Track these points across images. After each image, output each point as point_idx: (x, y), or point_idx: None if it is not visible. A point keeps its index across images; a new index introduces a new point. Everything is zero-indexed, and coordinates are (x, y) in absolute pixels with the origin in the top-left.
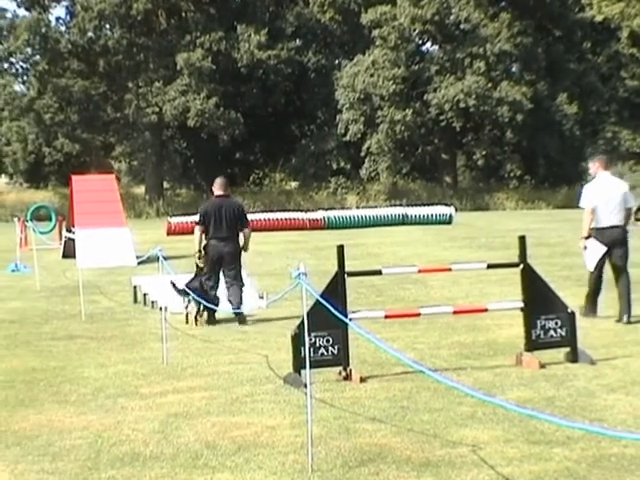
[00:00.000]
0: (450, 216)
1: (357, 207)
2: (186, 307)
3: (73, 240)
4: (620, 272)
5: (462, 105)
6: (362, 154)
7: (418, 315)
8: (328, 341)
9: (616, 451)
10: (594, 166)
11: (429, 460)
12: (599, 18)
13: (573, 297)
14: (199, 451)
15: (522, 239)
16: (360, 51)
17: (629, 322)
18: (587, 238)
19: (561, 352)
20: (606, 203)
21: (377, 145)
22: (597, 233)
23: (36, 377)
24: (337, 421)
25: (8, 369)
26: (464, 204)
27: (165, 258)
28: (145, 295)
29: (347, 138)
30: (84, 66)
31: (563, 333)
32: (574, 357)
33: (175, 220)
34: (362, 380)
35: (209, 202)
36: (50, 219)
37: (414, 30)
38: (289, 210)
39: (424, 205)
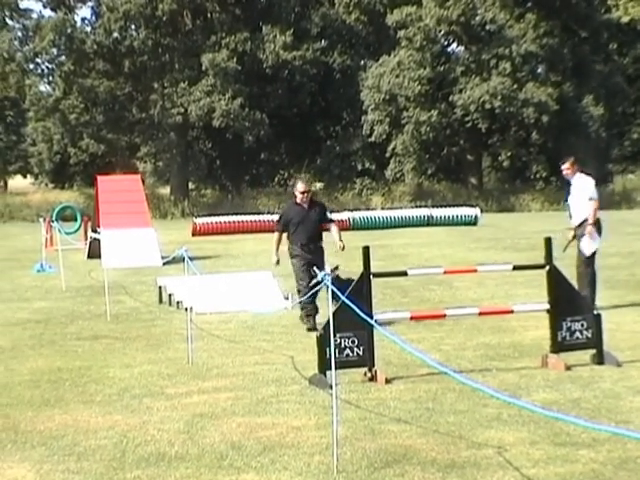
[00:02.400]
0: (475, 217)
1: (382, 208)
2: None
3: (98, 240)
4: None
5: (488, 106)
6: (387, 155)
7: (444, 316)
8: (353, 342)
9: None
10: (572, 168)
11: (454, 461)
12: (625, 19)
13: (599, 299)
14: (224, 452)
15: (548, 240)
16: (385, 52)
17: None
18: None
19: (587, 354)
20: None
21: (402, 146)
22: (597, 224)
23: (61, 377)
24: (362, 422)
25: (34, 369)
26: (489, 205)
27: (190, 258)
28: (170, 295)
29: (372, 139)
30: (109, 66)
31: (589, 335)
32: (600, 359)
33: (200, 221)
34: (387, 381)
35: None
36: (75, 219)
37: (440, 31)
38: None
39: (449, 206)
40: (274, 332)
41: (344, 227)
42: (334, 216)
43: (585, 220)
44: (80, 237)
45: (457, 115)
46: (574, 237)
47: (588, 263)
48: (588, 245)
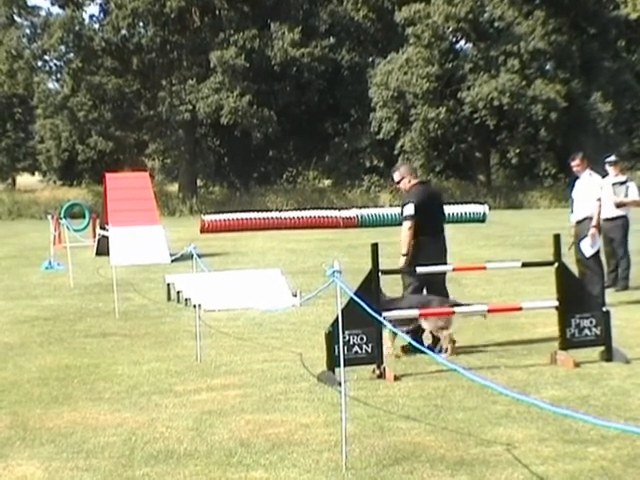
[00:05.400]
0: (484, 214)
1: (390, 205)
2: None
3: (107, 237)
4: None
5: (496, 103)
6: (395, 152)
7: (452, 314)
8: (362, 339)
9: None
10: (582, 164)
11: (463, 459)
12: (634, 16)
13: (608, 296)
14: (233, 449)
15: (557, 237)
16: (394, 49)
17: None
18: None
19: (596, 351)
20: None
21: (410, 143)
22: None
23: (70, 374)
24: (371, 419)
25: (42, 366)
26: (498, 202)
27: (199, 256)
28: (179, 293)
29: (380, 136)
30: (118, 64)
31: (598, 332)
32: (609, 356)
33: (209, 218)
34: (396, 378)
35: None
36: (84, 216)
37: (448, 28)
38: (322, 208)
39: (458, 203)
40: (282, 329)
41: (352, 224)
42: (342, 213)
43: (586, 218)
44: (88, 234)
45: (465, 112)
46: (576, 235)
47: (592, 263)
48: (589, 246)
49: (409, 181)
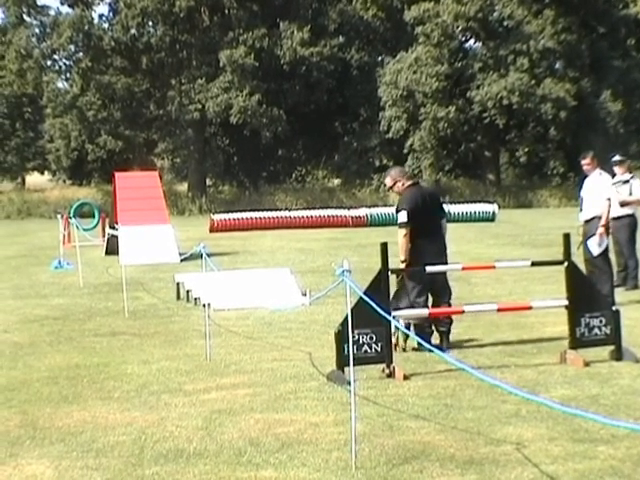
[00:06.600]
0: (493, 213)
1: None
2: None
3: (116, 237)
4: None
5: (505, 102)
6: (405, 151)
7: (462, 312)
8: (371, 338)
9: None
10: (593, 163)
11: (473, 458)
12: None
13: (617, 295)
14: (243, 448)
15: (566, 236)
16: (403, 48)
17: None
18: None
19: (605, 350)
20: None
21: (420, 142)
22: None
23: (79, 373)
24: (381, 418)
25: (52, 365)
26: (507, 201)
27: (208, 255)
28: (188, 292)
29: (390, 135)
30: (127, 63)
31: (607, 331)
32: (619, 355)
33: (218, 217)
34: (405, 378)
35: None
36: (93, 216)
37: (457, 27)
38: (332, 207)
39: (467, 202)
40: (292, 328)
41: (362, 223)
42: (352, 212)
43: (595, 217)
44: (98, 234)
45: (475, 111)
46: (584, 234)
47: (601, 262)
48: (596, 245)
49: (402, 184)
